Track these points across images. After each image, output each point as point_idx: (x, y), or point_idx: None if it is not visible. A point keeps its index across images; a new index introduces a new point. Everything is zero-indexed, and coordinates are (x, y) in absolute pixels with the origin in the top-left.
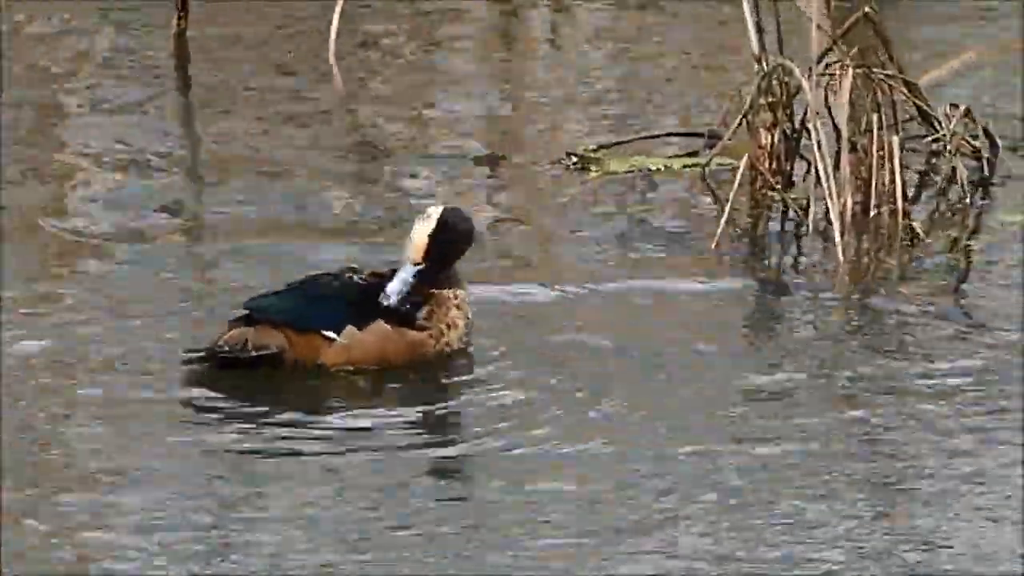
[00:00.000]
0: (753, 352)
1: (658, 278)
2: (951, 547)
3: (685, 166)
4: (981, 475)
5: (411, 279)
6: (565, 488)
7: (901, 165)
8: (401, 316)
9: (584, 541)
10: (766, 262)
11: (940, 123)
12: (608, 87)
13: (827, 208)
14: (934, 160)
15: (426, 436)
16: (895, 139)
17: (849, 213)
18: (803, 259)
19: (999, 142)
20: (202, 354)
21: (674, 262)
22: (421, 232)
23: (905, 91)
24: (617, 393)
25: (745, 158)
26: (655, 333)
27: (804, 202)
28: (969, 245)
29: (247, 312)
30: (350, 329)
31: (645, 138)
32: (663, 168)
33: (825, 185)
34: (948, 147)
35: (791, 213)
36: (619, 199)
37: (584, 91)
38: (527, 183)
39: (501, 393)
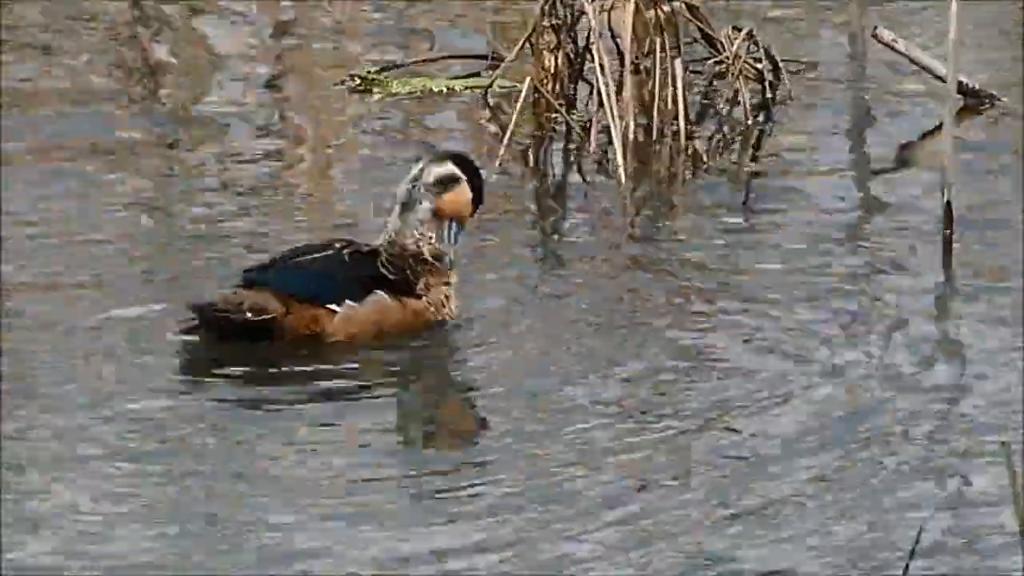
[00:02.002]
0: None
1: None
2: None
3: (468, 88)
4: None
5: (458, 237)
6: None
7: (684, 88)
8: (399, 286)
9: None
10: (548, 185)
11: (723, 45)
12: (391, 11)
13: (609, 131)
14: (717, 83)
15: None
16: (678, 62)
17: (631, 136)
18: (585, 182)
19: (781, 65)
20: (194, 316)
21: None
22: (460, 194)
23: (687, 14)
24: None
25: (528, 80)
26: None
27: (587, 125)
28: (750, 168)
29: (249, 280)
30: (349, 302)
31: (428, 60)
32: (446, 90)
33: (607, 108)
34: (731, 70)
35: (574, 136)
36: (402, 121)
37: (367, 15)
38: (310, 104)
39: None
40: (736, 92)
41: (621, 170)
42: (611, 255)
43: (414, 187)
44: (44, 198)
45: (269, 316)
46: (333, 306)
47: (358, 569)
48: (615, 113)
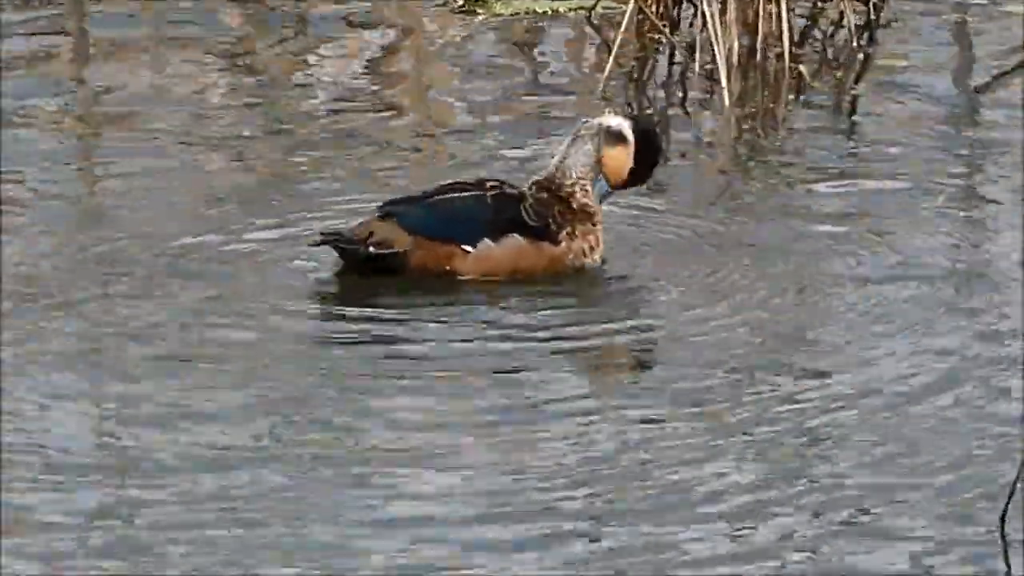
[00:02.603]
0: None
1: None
2: None
3: (572, 9)
4: None
5: (603, 195)
6: None
7: (788, 8)
8: (538, 231)
9: None
10: (652, 106)
11: None
12: None
13: (713, 52)
14: (821, 4)
15: None
16: None
17: (735, 57)
18: (689, 103)
19: None
20: (323, 238)
21: (561, 104)
22: (621, 154)
23: None
24: None
25: (632, 1)
26: None
27: (690, 46)
28: (855, 89)
29: (385, 213)
30: (485, 242)
31: None
32: (550, 11)
33: (711, 28)
34: None
35: (678, 56)
36: (506, 42)
37: None
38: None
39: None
40: (841, 13)
41: (725, 91)
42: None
43: (585, 125)
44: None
45: (393, 251)
46: (467, 246)
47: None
48: (719, 34)
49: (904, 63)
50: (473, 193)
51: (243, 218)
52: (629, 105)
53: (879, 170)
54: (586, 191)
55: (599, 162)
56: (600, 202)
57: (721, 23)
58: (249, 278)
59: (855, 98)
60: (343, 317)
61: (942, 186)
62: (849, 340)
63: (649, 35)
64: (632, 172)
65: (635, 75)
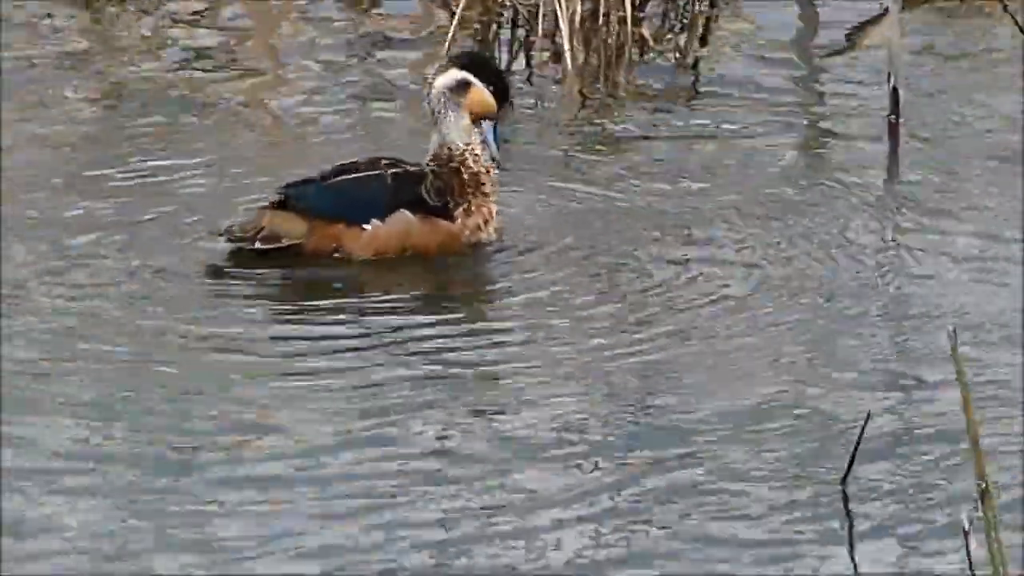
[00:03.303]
0: None
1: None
2: None
3: None
4: None
5: (497, 136)
6: None
7: None
8: (434, 208)
9: None
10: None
11: None
12: None
13: (556, 16)
14: None
15: None
16: None
17: (578, 20)
18: (533, 66)
19: None
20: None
21: (401, 66)
22: (477, 95)
23: None
24: None
25: None
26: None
27: (534, 9)
28: (697, 52)
29: (282, 197)
30: (374, 221)
31: None
32: None
33: None
34: None
35: (521, 20)
36: (352, 5)
37: None
38: None
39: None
40: None
41: (568, 55)
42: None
43: (431, 100)
44: None
45: (283, 245)
46: (361, 225)
47: None
48: None
49: (748, 26)
50: (372, 173)
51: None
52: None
53: (719, 132)
54: (476, 156)
55: (471, 117)
56: (499, 146)
57: None
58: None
59: (697, 60)
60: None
61: (785, 148)
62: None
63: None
64: (495, 94)
65: (479, 38)
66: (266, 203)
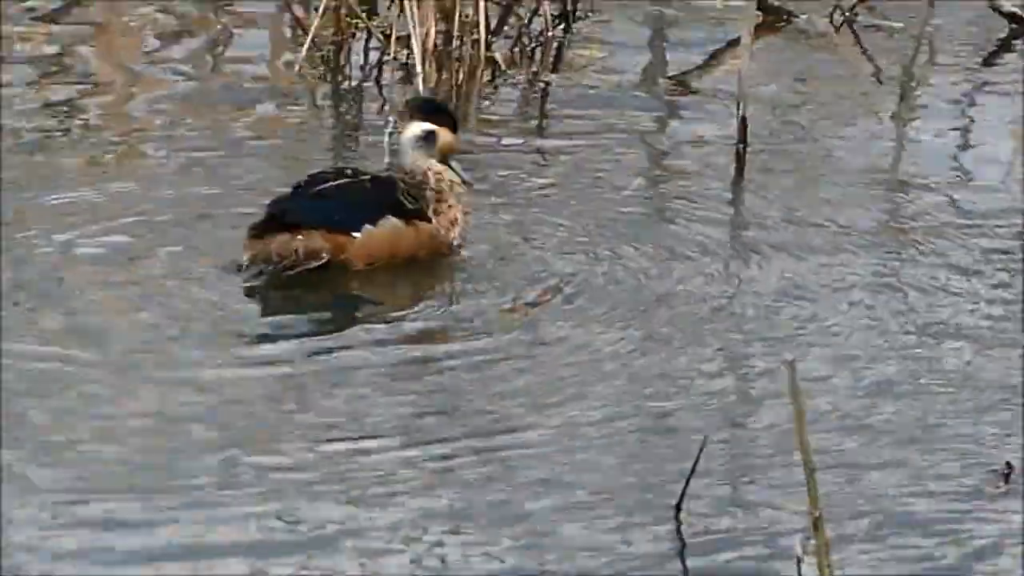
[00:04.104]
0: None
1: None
2: None
3: None
4: None
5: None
6: None
7: None
8: (411, 211)
9: None
10: (347, 90)
11: None
12: None
13: (410, 38)
14: None
15: None
16: None
17: (432, 43)
18: (385, 88)
19: None
20: (257, 271)
21: (253, 88)
22: (446, 137)
23: None
24: None
25: None
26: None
27: (387, 31)
28: (549, 77)
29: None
30: (367, 226)
31: None
32: None
33: (408, 14)
34: None
35: (375, 42)
36: (201, 18)
37: None
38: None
39: None
40: (537, 2)
41: (420, 77)
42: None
43: (400, 148)
44: None
45: (324, 259)
46: (356, 233)
47: None
48: (416, 20)
49: (601, 53)
50: (350, 180)
51: None
52: (326, 91)
53: (566, 159)
54: (438, 173)
55: (439, 157)
56: (465, 175)
57: (418, 9)
58: None
59: (547, 86)
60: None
61: (632, 173)
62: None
63: (347, 19)
64: (457, 134)
65: (331, 60)
66: (257, 224)
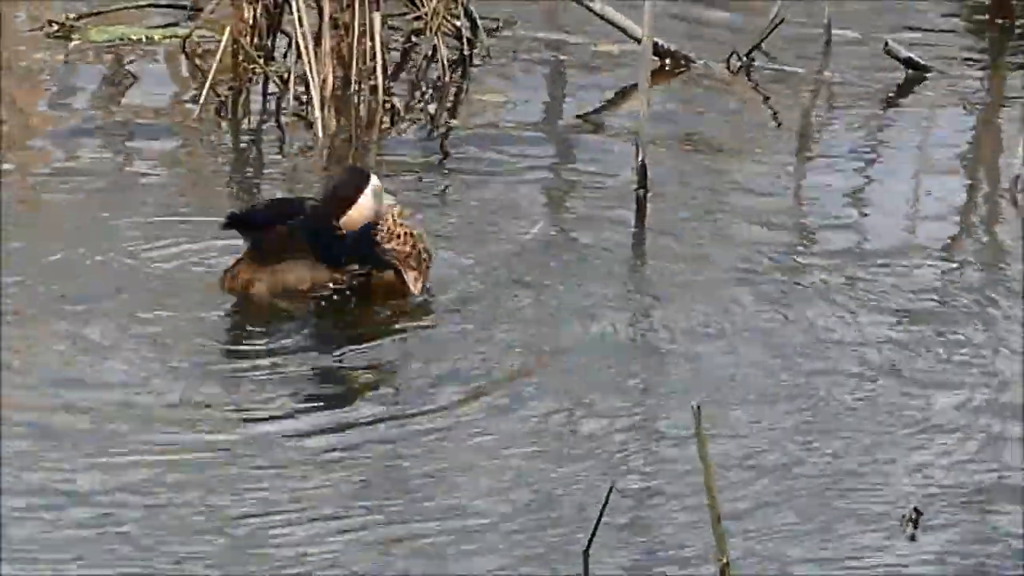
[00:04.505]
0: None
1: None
2: None
3: (167, 37)
4: None
5: None
6: None
7: (382, 42)
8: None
9: None
10: (246, 135)
11: (422, 1)
12: None
13: (308, 83)
14: (415, 38)
15: None
16: (376, 16)
17: (330, 88)
18: (284, 133)
19: (479, 22)
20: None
21: (152, 131)
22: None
23: None
24: None
25: (227, 31)
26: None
27: (285, 77)
28: (448, 123)
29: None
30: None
31: (127, 8)
32: (144, 39)
33: (306, 60)
34: (429, 26)
35: (272, 87)
36: (102, 68)
37: None
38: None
39: None
40: (434, 48)
41: (319, 123)
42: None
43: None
44: None
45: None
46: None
47: None
48: (313, 66)
49: (499, 98)
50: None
51: None
52: (225, 136)
53: (465, 202)
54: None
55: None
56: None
57: (315, 55)
58: None
59: (448, 130)
60: None
61: (532, 218)
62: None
63: (244, 64)
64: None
65: (230, 105)
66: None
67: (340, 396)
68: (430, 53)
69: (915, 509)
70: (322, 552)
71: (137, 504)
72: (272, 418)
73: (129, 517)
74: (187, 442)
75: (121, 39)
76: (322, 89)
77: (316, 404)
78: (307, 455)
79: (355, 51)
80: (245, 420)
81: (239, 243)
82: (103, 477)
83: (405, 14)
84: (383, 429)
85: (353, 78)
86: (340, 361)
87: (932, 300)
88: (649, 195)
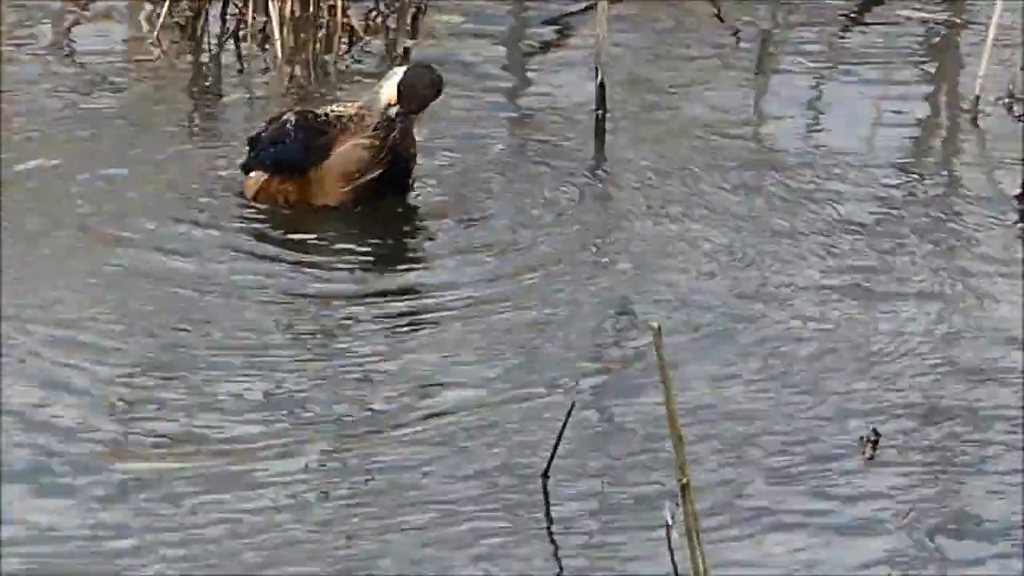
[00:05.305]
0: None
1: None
2: None
3: None
4: None
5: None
6: None
7: None
8: None
9: None
10: (205, 58)
11: None
12: None
13: (267, 5)
14: None
15: None
16: None
17: (288, 9)
18: (243, 54)
19: None
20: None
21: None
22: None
23: None
24: None
25: None
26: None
27: None
28: (407, 44)
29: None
30: None
31: None
32: None
33: None
34: None
35: (231, 8)
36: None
37: None
38: None
39: None
40: None
41: (278, 44)
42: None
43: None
44: None
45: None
46: None
47: None
48: None
49: (458, 18)
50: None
51: None
52: (182, 57)
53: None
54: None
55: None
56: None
57: None
58: None
59: (407, 51)
60: None
61: (493, 139)
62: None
63: None
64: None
65: (188, 28)
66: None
67: None
68: None
69: (874, 430)
70: None
71: None
72: None
73: None
74: None
75: None
76: (280, 10)
77: None
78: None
79: None
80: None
81: None
82: None
83: None
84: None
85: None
86: None
87: (889, 213)
88: (608, 116)
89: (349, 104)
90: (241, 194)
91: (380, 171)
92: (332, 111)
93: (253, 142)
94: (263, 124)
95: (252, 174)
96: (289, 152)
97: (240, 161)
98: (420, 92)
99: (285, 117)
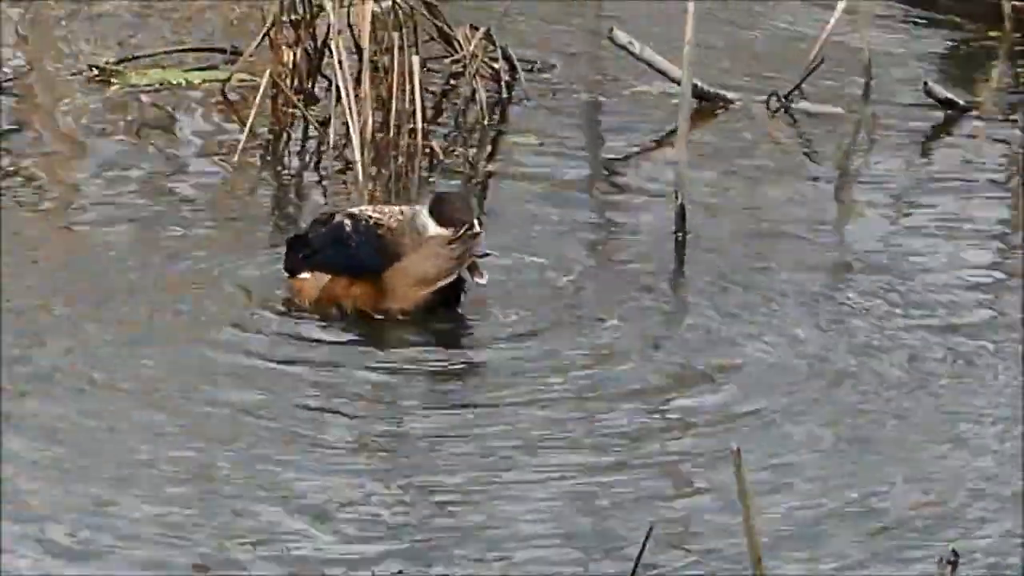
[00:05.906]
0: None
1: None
2: None
3: (206, 80)
4: None
5: None
6: None
7: (421, 85)
8: None
9: None
10: (287, 178)
11: (460, 44)
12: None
13: (347, 127)
14: (454, 81)
15: None
16: (415, 59)
17: (369, 132)
18: (324, 176)
19: (518, 64)
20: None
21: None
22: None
23: (426, 11)
24: None
25: (267, 74)
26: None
27: (325, 120)
28: (486, 166)
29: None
30: None
31: (167, 52)
32: (184, 82)
33: (345, 103)
34: (468, 68)
35: (312, 131)
36: (143, 112)
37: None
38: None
39: None
40: (473, 91)
41: (359, 166)
42: None
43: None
44: None
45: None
46: None
47: None
48: (353, 109)
49: (536, 140)
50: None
51: None
52: (265, 178)
53: (507, 251)
54: None
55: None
56: None
57: (355, 98)
58: None
59: (488, 175)
60: None
61: (573, 263)
62: None
63: (283, 108)
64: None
65: (270, 148)
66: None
67: None
68: (469, 95)
69: (953, 551)
70: None
71: None
72: None
73: None
74: None
75: (161, 83)
76: (362, 132)
77: None
78: None
79: (394, 94)
80: None
81: None
82: None
83: (444, 57)
84: None
85: (392, 121)
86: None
87: (972, 320)
88: (689, 236)
89: (377, 210)
90: (288, 300)
91: (451, 279)
92: (373, 215)
93: (297, 243)
94: (303, 226)
95: (304, 275)
96: (363, 254)
97: (281, 264)
98: (466, 211)
99: (337, 220)
